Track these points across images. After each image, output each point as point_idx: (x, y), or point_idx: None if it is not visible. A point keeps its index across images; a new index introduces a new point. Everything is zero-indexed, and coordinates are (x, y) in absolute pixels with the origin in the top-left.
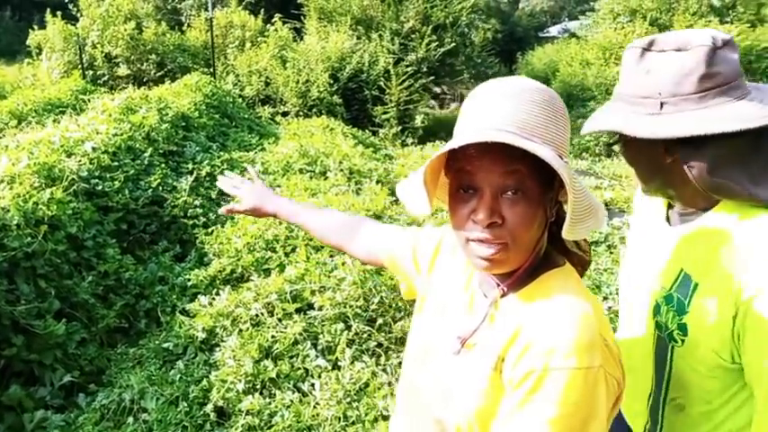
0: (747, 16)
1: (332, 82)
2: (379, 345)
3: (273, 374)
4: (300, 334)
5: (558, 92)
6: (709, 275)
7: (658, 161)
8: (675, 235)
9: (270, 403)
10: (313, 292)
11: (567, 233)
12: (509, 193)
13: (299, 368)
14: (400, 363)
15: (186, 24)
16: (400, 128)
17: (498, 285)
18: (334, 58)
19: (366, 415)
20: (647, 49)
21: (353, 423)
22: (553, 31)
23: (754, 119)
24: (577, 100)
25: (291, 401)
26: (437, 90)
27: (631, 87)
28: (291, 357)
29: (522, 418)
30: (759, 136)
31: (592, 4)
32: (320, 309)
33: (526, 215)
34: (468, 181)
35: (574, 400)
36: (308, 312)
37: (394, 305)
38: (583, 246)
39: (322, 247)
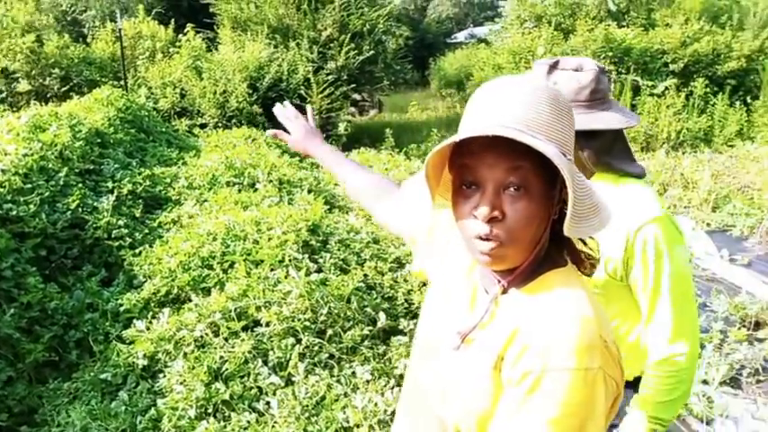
0: (640, 20)
1: (251, 92)
2: (331, 356)
3: (226, 396)
4: (250, 352)
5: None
6: None
7: None
8: None
9: (225, 426)
10: (258, 308)
11: (569, 230)
12: (511, 189)
13: (252, 387)
14: (353, 373)
15: (90, 36)
16: (324, 135)
17: (499, 282)
18: (251, 68)
19: (327, 429)
20: (554, 67)
21: None
22: (460, 36)
23: (621, 122)
24: None
25: (248, 422)
26: (357, 97)
27: None
28: (243, 377)
29: (520, 418)
30: (618, 133)
31: (499, 9)
32: (267, 324)
33: (527, 212)
34: (470, 176)
35: (572, 401)
36: (255, 329)
37: (343, 315)
38: (591, 245)
39: (261, 261)
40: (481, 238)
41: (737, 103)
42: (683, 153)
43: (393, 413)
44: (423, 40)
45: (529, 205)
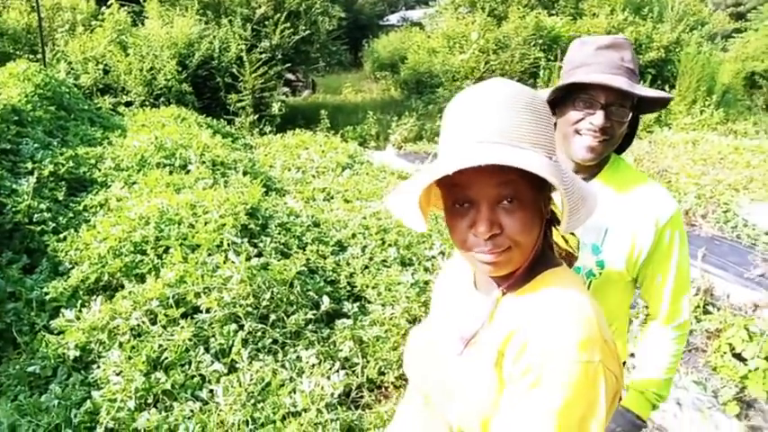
0: (569, 9)
1: (180, 69)
2: (275, 341)
3: (167, 386)
4: (190, 339)
5: (407, 78)
6: (618, 220)
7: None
8: None
9: (168, 417)
10: (197, 295)
11: (566, 228)
12: (505, 202)
13: (195, 375)
14: (298, 357)
15: (1, 6)
16: (257, 116)
17: (499, 286)
18: (181, 44)
19: (274, 414)
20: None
21: (263, 425)
22: (393, 19)
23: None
24: (426, 86)
25: (192, 411)
26: (290, 77)
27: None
28: (184, 365)
29: (523, 412)
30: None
31: None
32: (208, 311)
33: (524, 220)
34: (462, 195)
35: (574, 394)
36: (194, 316)
37: (285, 299)
38: (571, 241)
39: (198, 246)
40: (484, 252)
41: None
42: None
43: (340, 396)
44: (356, 21)
45: (524, 213)
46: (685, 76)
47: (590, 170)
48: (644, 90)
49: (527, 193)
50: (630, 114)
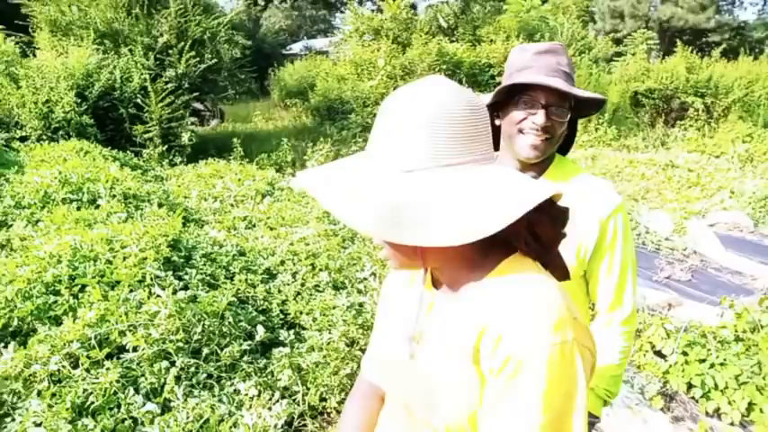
0: (467, 36)
1: (79, 101)
2: (210, 375)
3: None
4: (118, 381)
5: (318, 105)
6: None
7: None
8: None
9: None
10: (122, 333)
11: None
12: None
13: (126, 418)
14: (236, 390)
15: None
16: (166, 147)
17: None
18: (78, 75)
19: None
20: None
21: None
22: (295, 48)
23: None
24: (338, 113)
25: None
26: (198, 107)
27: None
28: (112, 408)
29: (508, 402)
30: None
31: (333, 21)
32: (135, 349)
33: None
34: None
35: (555, 376)
36: (121, 356)
37: (218, 332)
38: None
39: (118, 282)
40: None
41: None
42: None
43: (283, 426)
44: (260, 50)
45: None
46: None
47: (535, 168)
48: (580, 91)
49: None
50: (569, 115)
